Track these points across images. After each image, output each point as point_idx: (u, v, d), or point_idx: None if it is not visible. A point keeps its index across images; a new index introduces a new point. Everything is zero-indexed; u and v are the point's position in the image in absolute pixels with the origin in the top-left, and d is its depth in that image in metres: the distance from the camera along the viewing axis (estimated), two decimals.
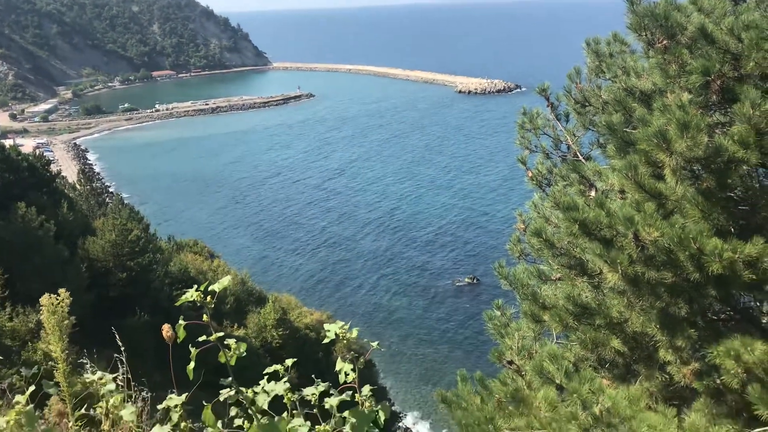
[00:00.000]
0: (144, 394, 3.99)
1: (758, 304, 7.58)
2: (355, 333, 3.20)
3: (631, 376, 8.08)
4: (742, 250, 6.02)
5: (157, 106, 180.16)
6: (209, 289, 2.89)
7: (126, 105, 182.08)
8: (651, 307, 7.10)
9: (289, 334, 39.15)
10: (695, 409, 7.21)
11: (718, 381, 7.09)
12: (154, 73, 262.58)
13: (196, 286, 2.90)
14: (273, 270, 69.70)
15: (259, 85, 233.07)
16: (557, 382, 7.29)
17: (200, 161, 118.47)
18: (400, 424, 41.85)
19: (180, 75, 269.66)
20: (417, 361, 51.68)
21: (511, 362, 8.75)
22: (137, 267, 37.28)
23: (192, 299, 2.83)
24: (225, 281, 2.91)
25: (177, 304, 3.09)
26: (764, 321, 7.15)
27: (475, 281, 63.18)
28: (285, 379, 3.12)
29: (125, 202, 53.03)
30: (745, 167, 6.77)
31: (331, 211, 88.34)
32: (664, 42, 7.39)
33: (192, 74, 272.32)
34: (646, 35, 7.68)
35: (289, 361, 3.25)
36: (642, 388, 7.61)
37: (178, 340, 2.84)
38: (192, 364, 2.81)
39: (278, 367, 3.21)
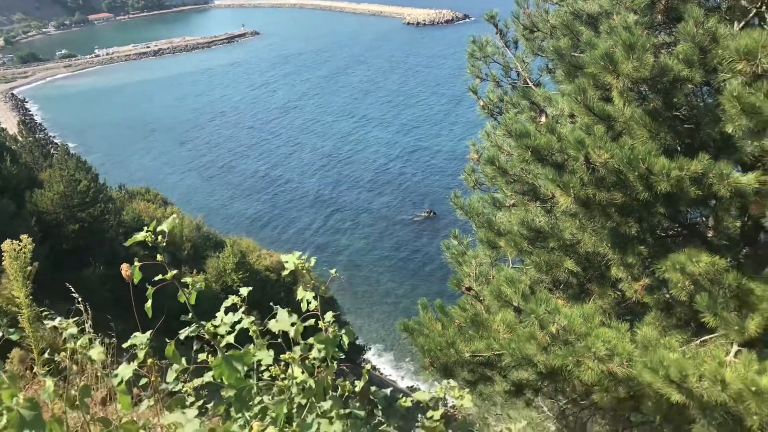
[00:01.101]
0: (108, 340, 3.99)
1: (704, 218, 7.84)
2: (313, 261, 3.23)
3: (585, 295, 8.36)
4: (689, 167, 6.19)
5: (96, 51, 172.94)
6: (158, 229, 2.87)
7: (64, 51, 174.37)
8: (602, 228, 7.30)
9: (250, 277, 39.19)
10: (646, 323, 7.52)
11: (668, 294, 7.40)
12: (91, 17, 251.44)
13: (145, 228, 2.87)
14: (229, 214, 69.11)
15: (201, 25, 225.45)
16: (515, 304, 7.52)
17: (145, 106, 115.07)
18: (364, 356, 42.71)
19: (118, 17, 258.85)
20: (378, 296, 52.40)
21: (469, 288, 8.95)
22: (89, 218, 36.59)
23: (142, 240, 2.81)
24: (170, 221, 2.89)
25: (126, 244, 3.07)
26: (710, 235, 7.42)
27: (432, 214, 63.75)
28: (242, 309, 3.14)
29: (71, 152, 51.45)
30: (690, 86, 6.91)
31: (280, 151, 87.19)
32: None
33: (131, 16, 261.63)
34: None
35: (244, 290, 3.27)
36: (596, 306, 7.89)
37: (135, 281, 2.83)
38: (149, 302, 2.82)
39: (235, 298, 3.23)
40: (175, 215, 2.97)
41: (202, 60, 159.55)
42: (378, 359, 45.70)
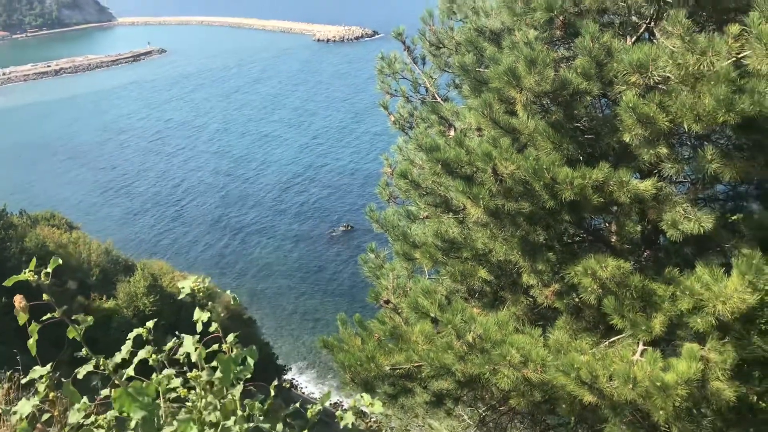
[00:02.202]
0: (8, 374, 3.79)
1: (607, 224, 8.19)
2: (207, 282, 3.19)
3: (499, 302, 8.57)
4: (590, 176, 6.47)
5: None
6: (44, 272, 2.75)
7: None
8: (512, 236, 7.51)
9: (164, 300, 38.02)
10: (558, 327, 7.78)
11: (577, 299, 7.68)
12: None
13: (31, 265, 2.75)
14: (140, 237, 66.92)
15: (105, 43, 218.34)
16: (432, 315, 7.61)
17: (46, 127, 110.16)
18: (286, 377, 42.14)
19: (15, 36, 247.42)
20: (298, 313, 51.90)
21: (387, 301, 9.01)
22: None
23: (25, 279, 2.70)
24: (54, 260, 2.79)
25: (6, 284, 2.93)
26: (613, 239, 7.76)
27: (349, 228, 63.82)
28: (148, 340, 3.07)
29: None
30: (589, 98, 7.23)
31: (186, 170, 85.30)
32: None
33: (29, 35, 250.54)
34: None
35: (150, 323, 3.19)
36: (510, 313, 8.10)
37: (20, 323, 2.71)
38: (32, 340, 2.70)
39: (141, 330, 3.14)
40: (56, 257, 2.86)
41: (105, 79, 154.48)
42: (300, 377, 45.21)
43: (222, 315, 3.02)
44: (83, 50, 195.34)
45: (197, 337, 3.04)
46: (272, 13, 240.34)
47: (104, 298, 37.09)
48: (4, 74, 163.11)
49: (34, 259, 2.78)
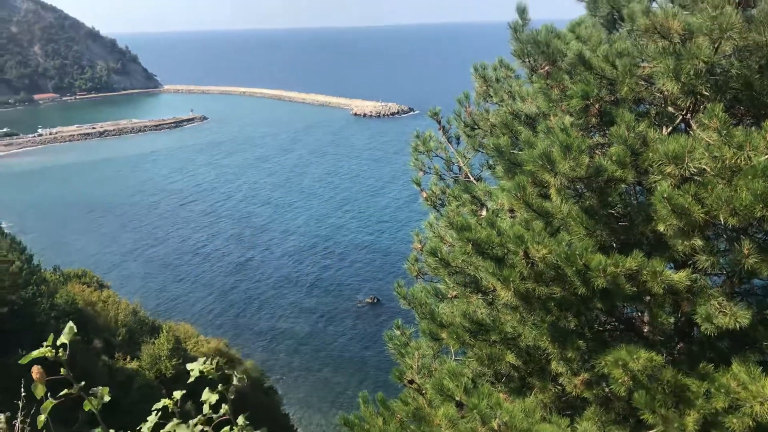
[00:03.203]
0: None
1: (640, 314, 8.02)
2: (214, 364, 3.15)
3: (526, 388, 8.33)
4: (623, 264, 6.37)
5: (39, 130, 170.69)
6: (59, 342, 2.76)
7: (5, 129, 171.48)
8: (542, 321, 7.37)
9: (186, 364, 37.81)
10: (586, 418, 7.52)
11: (607, 389, 7.45)
12: (36, 96, 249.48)
13: (48, 340, 2.76)
14: (166, 298, 67.27)
15: (149, 108, 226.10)
16: (457, 398, 7.42)
17: (87, 187, 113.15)
18: None
19: (64, 98, 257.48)
20: (320, 385, 51.16)
21: (411, 381, 8.82)
22: (20, 300, 35.06)
23: (43, 356, 2.71)
24: (68, 330, 2.80)
25: (22, 362, 2.93)
26: (645, 330, 7.57)
27: (375, 301, 63.46)
28: (175, 414, 3.02)
29: (5, 232, 49.81)
30: (623, 185, 7.21)
31: (223, 235, 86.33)
32: (546, 68, 7.78)
33: (78, 97, 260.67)
34: (529, 61, 8.07)
35: (177, 394, 3.15)
36: (537, 400, 7.86)
37: (38, 396, 2.70)
38: (43, 416, 2.68)
39: (168, 401, 3.10)
40: (72, 324, 2.87)
41: (146, 142, 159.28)
42: None
43: (233, 396, 2.98)
44: (128, 114, 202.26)
45: (200, 418, 2.99)
46: (312, 86, 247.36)
47: (128, 359, 37.02)
48: (50, 134, 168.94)
49: (52, 335, 2.78)
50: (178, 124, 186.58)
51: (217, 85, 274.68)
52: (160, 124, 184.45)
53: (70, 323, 2.86)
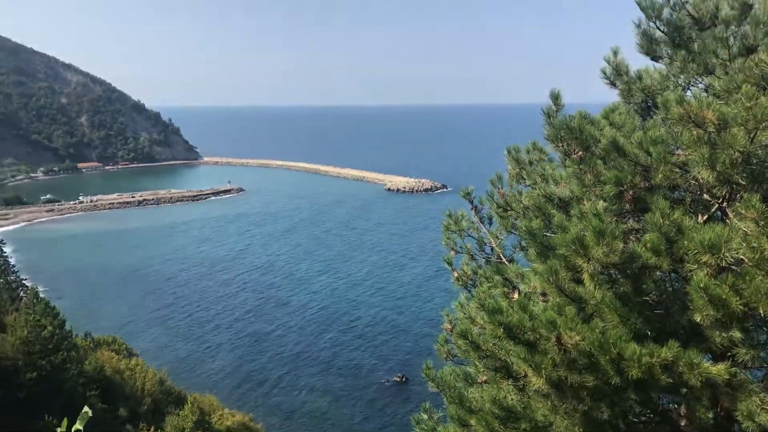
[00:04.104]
0: None
1: (676, 406, 7.74)
2: None
3: None
4: (659, 354, 6.19)
5: (80, 197, 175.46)
6: (73, 429, 2.73)
7: (48, 196, 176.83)
8: (575, 411, 7.15)
9: None
10: None
11: None
12: (80, 165, 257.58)
13: (63, 425, 2.75)
14: (194, 369, 66.92)
15: (188, 179, 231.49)
16: None
17: (122, 255, 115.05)
18: None
19: (107, 167, 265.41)
20: None
21: None
22: (49, 365, 35.19)
23: None
24: (83, 415, 2.78)
25: None
26: (682, 423, 7.29)
27: (403, 380, 62.27)
28: None
29: (41, 296, 50.50)
30: (658, 273, 7.09)
31: (254, 307, 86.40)
32: (580, 153, 7.82)
33: (120, 166, 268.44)
34: (562, 146, 8.12)
35: None
36: None
37: None
38: None
39: None
40: (88, 409, 2.86)
41: (183, 212, 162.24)
42: None
43: None
44: (168, 184, 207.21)
45: None
46: (348, 161, 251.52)
47: (152, 429, 36.64)
48: (91, 201, 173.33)
49: (66, 420, 2.77)
50: (216, 194, 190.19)
51: (255, 158, 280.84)
52: (197, 195, 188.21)
53: (86, 408, 2.85)
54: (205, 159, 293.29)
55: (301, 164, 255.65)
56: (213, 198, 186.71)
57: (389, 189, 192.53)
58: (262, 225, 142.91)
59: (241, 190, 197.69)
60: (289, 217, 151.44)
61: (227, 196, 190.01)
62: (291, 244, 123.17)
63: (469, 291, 10.86)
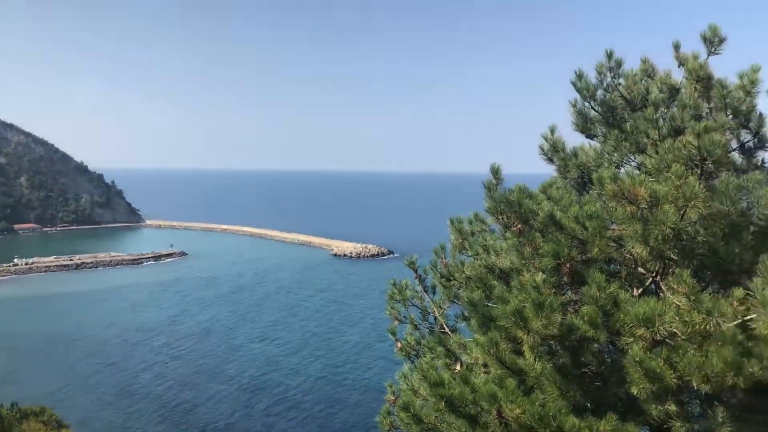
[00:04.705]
0: None
1: None
2: None
3: None
4: (597, 428, 6.23)
5: (15, 260, 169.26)
6: None
7: None
8: None
9: None
10: None
11: None
12: (16, 226, 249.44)
13: None
14: None
15: (130, 242, 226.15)
16: None
17: (55, 320, 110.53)
18: None
19: (45, 228, 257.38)
20: None
21: None
22: None
23: None
24: None
25: None
26: None
27: None
28: None
29: None
30: (596, 345, 7.20)
31: (188, 375, 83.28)
32: (519, 226, 7.99)
33: (59, 228, 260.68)
34: (502, 218, 8.29)
35: None
36: None
37: None
38: None
39: None
40: None
41: (122, 276, 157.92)
42: None
43: None
44: (108, 247, 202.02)
45: None
46: (295, 226, 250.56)
47: None
48: (26, 264, 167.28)
49: None
50: (157, 258, 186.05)
51: (199, 221, 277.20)
52: (138, 258, 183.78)
53: None
54: (148, 222, 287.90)
55: (246, 228, 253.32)
56: (154, 262, 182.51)
57: (335, 254, 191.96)
58: (202, 290, 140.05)
59: (184, 254, 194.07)
60: (230, 282, 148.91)
61: (169, 260, 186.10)
62: (230, 309, 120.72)
63: (412, 361, 10.79)
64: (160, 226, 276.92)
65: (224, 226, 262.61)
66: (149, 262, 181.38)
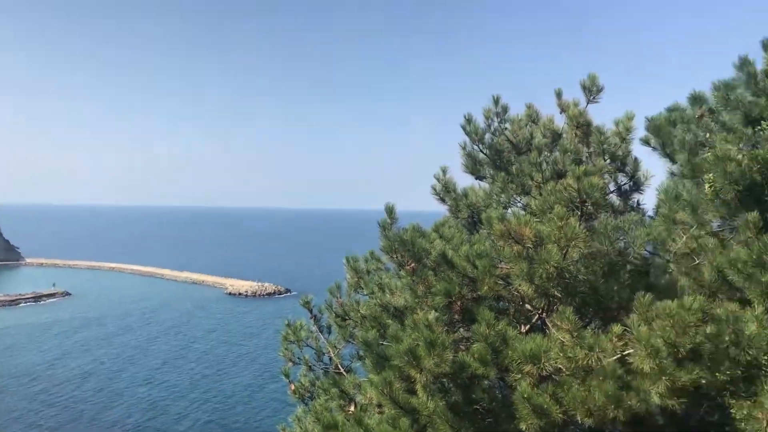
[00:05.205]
0: None
1: None
2: None
3: None
4: None
5: None
6: None
7: None
8: None
9: None
10: None
11: None
12: None
13: None
14: None
15: (6, 281, 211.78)
16: None
17: None
18: None
19: None
20: None
21: None
22: None
23: None
24: None
25: None
26: None
27: None
28: None
29: None
30: (486, 382, 7.34)
31: (65, 423, 78.11)
32: (413, 264, 8.10)
33: None
34: (397, 257, 8.38)
35: None
36: None
37: None
38: None
39: None
40: None
41: None
42: None
43: None
44: None
45: None
46: (187, 265, 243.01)
47: None
48: None
49: None
50: (37, 299, 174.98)
51: (85, 259, 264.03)
52: (16, 299, 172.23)
53: None
54: (28, 260, 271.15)
55: (135, 267, 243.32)
56: (34, 303, 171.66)
57: (230, 293, 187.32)
58: (85, 331, 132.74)
59: (67, 294, 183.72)
60: (115, 322, 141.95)
61: (51, 300, 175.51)
62: (114, 352, 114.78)
63: (306, 404, 10.62)
64: (42, 264, 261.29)
65: (112, 265, 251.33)
66: (28, 303, 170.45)
